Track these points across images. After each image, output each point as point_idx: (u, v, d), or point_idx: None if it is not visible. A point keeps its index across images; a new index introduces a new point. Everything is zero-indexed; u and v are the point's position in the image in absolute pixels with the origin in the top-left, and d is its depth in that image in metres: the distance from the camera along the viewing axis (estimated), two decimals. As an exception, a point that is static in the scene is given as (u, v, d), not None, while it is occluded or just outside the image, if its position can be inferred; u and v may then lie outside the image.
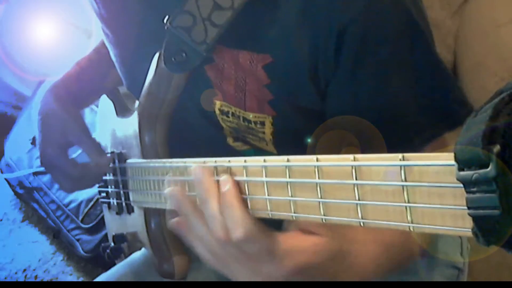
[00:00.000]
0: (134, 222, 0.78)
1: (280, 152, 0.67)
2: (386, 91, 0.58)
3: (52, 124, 0.81)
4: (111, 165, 0.81)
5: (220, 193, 0.48)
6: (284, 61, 0.59)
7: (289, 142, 0.66)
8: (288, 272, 0.46)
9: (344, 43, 0.55)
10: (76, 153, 0.89)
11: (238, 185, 0.47)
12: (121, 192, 0.80)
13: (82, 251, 1.43)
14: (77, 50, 1.73)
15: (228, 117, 0.65)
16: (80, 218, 1.46)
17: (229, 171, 0.49)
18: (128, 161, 0.76)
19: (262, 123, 0.64)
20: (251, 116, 0.64)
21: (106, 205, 0.89)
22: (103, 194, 0.88)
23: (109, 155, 0.81)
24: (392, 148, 0.59)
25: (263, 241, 0.45)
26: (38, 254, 1.57)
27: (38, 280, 1.51)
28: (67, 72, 0.86)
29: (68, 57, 1.76)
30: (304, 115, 0.63)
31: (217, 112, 0.66)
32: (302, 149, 0.63)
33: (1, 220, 1.72)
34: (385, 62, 0.57)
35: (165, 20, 0.61)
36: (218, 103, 0.65)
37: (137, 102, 0.74)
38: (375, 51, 0.56)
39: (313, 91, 0.60)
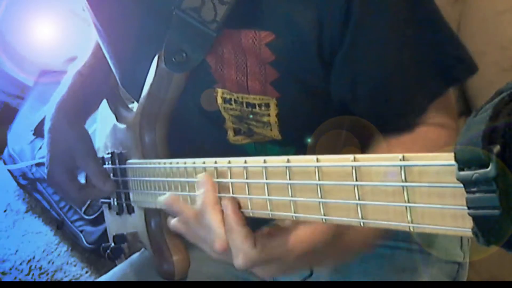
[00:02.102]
0: (135, 222, 0.78)
1: (284, 137, 0.67)
2: (389, 55, 0.59)
3: (60, 145, 0.81)
4: (111, 166, 0.81)
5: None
6: (288, 36, 0.59)
7: (294, 125, 0.66)
8: (293, 263, 0.48)
9: (352, 9, 0.55)
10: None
11: (238, 205, 0.49)
12: (122, 192, 0.80)
13: (85, 243, 1.44)
14: (77, 38, 1.72)
15: (231, 104, 0.65)
16: (83, 209, 1.46)
17: (231, 187, 0.50)
18: (129, 161, 0.76)
19: (267, 105, 0.64)
20: (255, 98, 0.64)
21: (106, 205, 0.89)
22: (104, 195, 0.88)
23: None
24: (396, 118, 0.61)
25: (266, 258, 0.48)
26: (42, 245, 1.58)
27: (43, 271, 1.51)
28: (69, 85, 0.85)
29: (69, 45, 1.76)
30: (308, 95, 0.63)
31: (220, 101, 0.65)
32: (305, 133, 0.64)
33: (5, 211, 1.72)
34: (388, 24, 0.58)
35: (173, 6, 0.61)
36: (220, 91, 0.65)
37: (136, 102, 0.74)
38: (379, 15, 0.57)
39: (319, 67, 0.60)
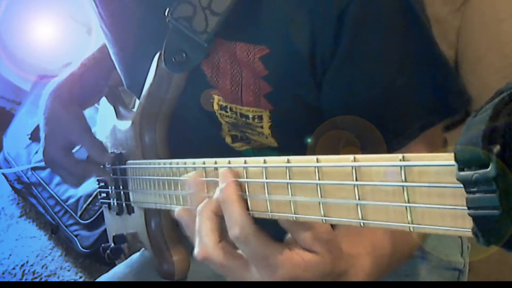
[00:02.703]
0: (134, 223, 0.78)
1: (281, 144, 0.67)
2: (382, 77, 0.59)
3: (55, 124, 0.82)
4: (111, 166, 0.81)
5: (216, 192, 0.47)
6: (281, 50, 0.59)
7: (288, 135, 0.66)
8: (276, 281, 0.45)
9: (344, 25, 0.55)
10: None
11: (237, 183, 0.47)
12: (122, 192, 0.80)
13: (80, 247, 1.43)
14: (77, 44, 1.72)
15: (227, 112, 0.65)
16: (79, 213, 1.46)
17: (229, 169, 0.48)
18: (129, 161, 0.76)
19: (260, 117, 0.64)
20: (249, 110, 0.64)
21: (106, 205, 0.89)
22: (104, 195, 0.88)
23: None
24: (385, 138, 0.60)
25: (259, 244, 0.44)
26: (36, 249, 1.57)
27: (36, 275, 1.50)
28: (71, 72, 0.86)
29: (67, 51, 1.76)
30: (301, 108, 0.63)
31: (216, 107, 0.65)
32: (302, 140, 0.64)
33: (-2, 215, 1.72)
34: (381, 46, 0.57)
35: (166, 13, 0.61)
36: (216, 98, 0.65)
37: (137, 102, 0.74)
38: (372, 34, 0.56)
39: (311, 81, 0.60)
